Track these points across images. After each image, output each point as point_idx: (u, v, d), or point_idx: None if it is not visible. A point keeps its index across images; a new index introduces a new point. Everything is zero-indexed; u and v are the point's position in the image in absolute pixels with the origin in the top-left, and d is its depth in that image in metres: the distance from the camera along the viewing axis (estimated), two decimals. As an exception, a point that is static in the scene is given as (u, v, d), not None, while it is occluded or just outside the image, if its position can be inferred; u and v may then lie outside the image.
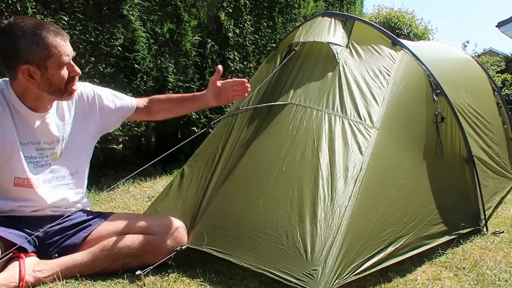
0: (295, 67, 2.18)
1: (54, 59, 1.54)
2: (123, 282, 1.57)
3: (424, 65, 2.21)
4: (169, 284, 1.57)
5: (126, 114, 1.89)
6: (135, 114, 1.92)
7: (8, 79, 1.62)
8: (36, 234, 1.59)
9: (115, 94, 1.88)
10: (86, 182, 1.86)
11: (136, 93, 3.28)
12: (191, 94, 1.98)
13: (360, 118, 1.92)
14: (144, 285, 1.55)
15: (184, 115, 3.84)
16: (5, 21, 1.57)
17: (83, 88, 1.80)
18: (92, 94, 1.81)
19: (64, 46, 1.57)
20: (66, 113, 1.74)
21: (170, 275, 1.64)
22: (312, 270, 1.47)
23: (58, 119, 1.71)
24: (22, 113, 1.62)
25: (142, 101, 1.94)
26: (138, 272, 1.57)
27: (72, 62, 1.61)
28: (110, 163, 3.47)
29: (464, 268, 1.79)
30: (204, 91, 1.87)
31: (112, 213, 1.83)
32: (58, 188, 1.69)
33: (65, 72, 1.59)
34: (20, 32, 1.50)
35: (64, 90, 1.61)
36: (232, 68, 4.24)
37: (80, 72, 1.64)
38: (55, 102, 1.71)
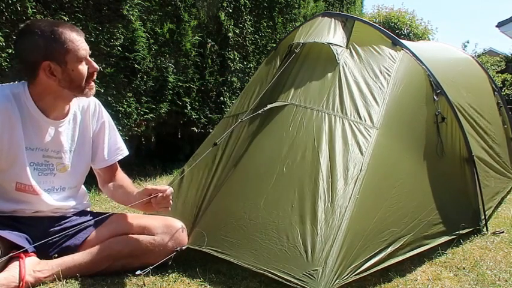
0: (295, 67, 2.17)
1: (72, 53, 1.56)
2: (123, 282, 1.57)
3: (424, 65, 2.21)
4: (169, 284, 1.57)
5: (103, 163, 1.82)
6: (99, 169, 1.85)
7: (25, 82, 1.63)
8: (40, 243, 1.56)
9: (117, 143, 1.85)
10: (83, 190, 1.86)
11: (137, 93, 3.28)
12: (134, 194, 1.74)
13: (360, 118, 1.92)
14: (144, 285, 1.55)
15: (184, 115, 3.85)
16: (22, 24, 1.60)
17: (100, 108, 1.81)
18: (104, 121, 1.81)
19: (81, 41, 1.59)
20: (79, 125, 1.74)
21: (170, 275, 1.64)
22: (313, 270, 1.47)
23: (70, 129, 1.72)
24: (35, 118, 1.61)
25: (114, 169, 1.86)
26: (138, 272, 1.57)
27: (89, 58, 1.62)
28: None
29: (464, 268, 1.79)
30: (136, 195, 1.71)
31: (112, 214, 1.83)
32: (57, 198, 1.69)
33: (83, 67, 1.59)
34: (38, 31, 1.53)
35: (84, 87, 1.61)
36: (232, 68, 4.25)
37: (98, 68, 1.64)
38: (71, 112, 1.71)
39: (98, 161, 1.82)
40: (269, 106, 2.03)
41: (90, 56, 1.63)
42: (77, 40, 1.57)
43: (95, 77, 1.65)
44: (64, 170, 1.70)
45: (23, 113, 1.59)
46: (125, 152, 1.88)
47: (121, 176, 1.88)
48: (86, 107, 1.77)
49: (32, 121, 1.61)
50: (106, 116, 1.84)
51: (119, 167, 1.89)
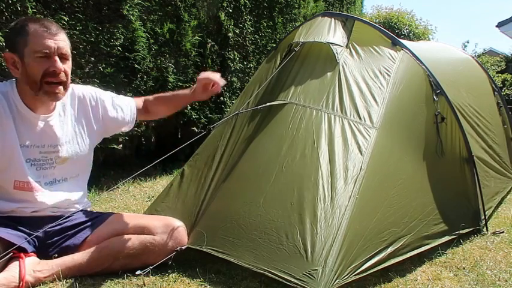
0: (295, 67, 2.18)
1: (30, 47, 1.54)
2: (123, 282, 1.57)
3: (424, 65, 2.21)
4: (169, 284, 1.57)
5: (126, 125, 1.92)
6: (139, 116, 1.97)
7: (13, 80, 1.63)
8: (35, 234, 1.59)
9: (118, 104, 1.88)
10: (86, 183, 1.86)
11: (137, 93, 3.28)
12: (182, 93, 2.00)
13: (360, 118, 1.92)
14: (144, 285, 1.55)
15: (184, 115, 3.85)
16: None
17: (85, 91, 1.80)
18: (94, 98, 1.81)
19: (46, 38, 1.55)
20: (70, 115, 1.74)
21: (170, 275, 1.64)
22: (312, 270, 1.47)
23: (62, 121, 1.71)
24: (25, 115, 1.61)
25: (139, 105, 1.97)
26: (138, 272, 1.57)
27: (56, 58, 1.56)
28: (110, 163, 3.47)
29: (464, 268, 1.79)
30: (192, 88, 1.91)
31: (112, 214, 1.83)
32: (59, 190, 1.69)
33: (40, 64, 1.55)
34: (16, 25, 1.57)
35: (40, 86, 1.56)
36: (232, 68, 4.24)
37: (61, 69, 1.56)
38: (59, 104, 1.71)
39: (128, 125, 1.92)
40: (268, 104, 2.03)
41: (61, 55, 1.58)
42: (41, 36, 1.54)
43: (58, 79, 1.57)
44: (63, 162, 1.70)
45: (13, 112, 1.59)
46: (132, 101, 1.95)
47: (154, 97, 1.99)
48: (73, 95, 1.76)
49: (22, 118, 1.61)
50: (97, 93, 1.84)
51: (146, 98, 1.99)
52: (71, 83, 1.69)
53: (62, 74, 1.59)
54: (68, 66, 1.62)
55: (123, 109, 1.89)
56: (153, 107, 1.99)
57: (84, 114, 1.78)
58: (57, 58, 1.57)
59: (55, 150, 1.68)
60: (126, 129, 1.95)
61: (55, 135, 1.68)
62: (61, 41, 1.59)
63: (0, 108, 1.57)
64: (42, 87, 1.56)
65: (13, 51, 1.56)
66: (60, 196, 1.70)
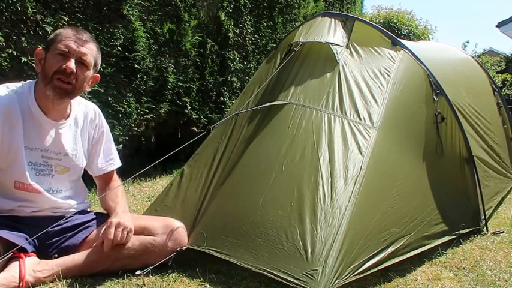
0: (295, 67, 2.18)
1: (54, 44, 1.59)
2: (123, 282, 1.57)
3: (424, 65, 2.21)
4: (169, 284, 1.58)
5: (97, 172, 1.86)
6: (94, 177, 1.89)
7: (32, 81, 1.67)
8: (37, 235, 1.58)
9: (111, 153, 1.88)
10: (84, 190, 1.87)
11: (137, 93, 3.28)
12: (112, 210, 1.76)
13: (360, 118, 1.92)
14: (144, 285, 1.55)
15: (184, 115, 3.85)
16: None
17: (97, 116, 1.83)
18: (102, 128, 1.84)
19: (71, 39, 1.59)
20: (79, 130, 1.76)
21: (170, 275, 1.64)
22: (312, 270, 1.47)
23: (71, 133, 1.73)
24: (37, 118, 1.62)
25: (108, 178, 1.89)
26: (138, 272, 1.57)
27: (71, 59, 1.58)
28: (110, 163, 3.46)
29: (464, 268, 1.79)
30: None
31: (112, 214, 1.83)
32: (57, 197, 1.70)
33: (56, 60, 1.58)
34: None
35: (50, 80, 1.58)
36: (232, 68, 4.24)
37: (71, 69, 1.57)
38: (72, 116, 1.72)
39: (94, 169, 1.85)
40: (268, 104, 2.03)
41: (80, 60, 1.60)
42: (67, 37, 1.59)
43: (67, 79, 1.58)
44: (63, 172, 1.71)
45: (25, 113, 1.61)
46: (117, 163, 1.90)
47: (113, 185, 1.87)
48: (86, 112, 1.79)
49: (34, 121, 1.62)
50: (105, 125, 1.87)
51: (114, 177, 1.91)
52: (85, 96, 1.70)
53: (73, 77, 1.59)
54: (83, 74, 1.63)
55: (111, 159, 1.87)
56: (103, 190, 1.87)
57: (89, 135, 1.81)
58: (73, 59, 1.59)
59: (57, 157, 1.69)
60: (88, 169, 1.87)
61: (61, 144, 1.69)
62: (86, 48, 1.62)
63: (12, 108, 1.58)
64: (51, 82, 1.58)
65: (44, 48, 1.63)
66: (60, 200, 1.70)
